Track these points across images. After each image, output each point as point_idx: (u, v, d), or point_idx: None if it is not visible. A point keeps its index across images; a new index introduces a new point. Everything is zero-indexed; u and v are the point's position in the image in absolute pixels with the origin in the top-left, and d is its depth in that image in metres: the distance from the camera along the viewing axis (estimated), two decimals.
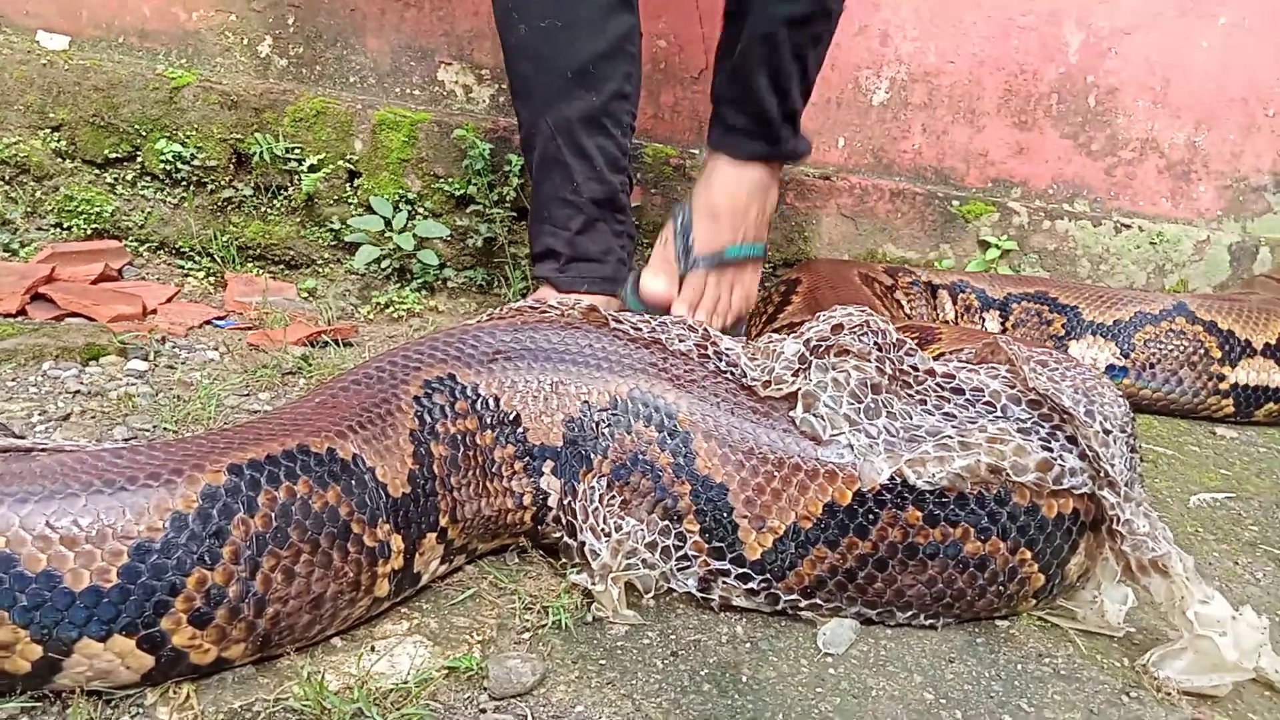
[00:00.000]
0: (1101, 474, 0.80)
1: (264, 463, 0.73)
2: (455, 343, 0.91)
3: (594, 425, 0.87)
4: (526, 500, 0.89)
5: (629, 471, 0.86)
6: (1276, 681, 0.80)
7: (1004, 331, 1.65)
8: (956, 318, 1.66)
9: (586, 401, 0.88)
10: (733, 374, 0.89)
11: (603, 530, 0.84)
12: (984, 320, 1.65)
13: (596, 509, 0.85)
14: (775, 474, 0.82)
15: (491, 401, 0.88)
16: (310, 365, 1.42)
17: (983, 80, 2.12)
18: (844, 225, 2.09)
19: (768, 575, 0.82)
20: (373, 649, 0.76)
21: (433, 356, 0.90)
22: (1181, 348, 1.56)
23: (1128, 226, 2.12)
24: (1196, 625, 0.76)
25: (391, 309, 1.83)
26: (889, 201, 2.08)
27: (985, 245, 2.09)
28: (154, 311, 1.67)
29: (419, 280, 1.96)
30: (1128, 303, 1.60)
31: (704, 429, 0.84)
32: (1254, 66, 2.12)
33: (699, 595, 0.85)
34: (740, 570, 0.83)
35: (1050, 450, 0.80)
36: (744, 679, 0.78)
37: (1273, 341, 1.57)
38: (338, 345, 1.52)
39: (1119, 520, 0.79)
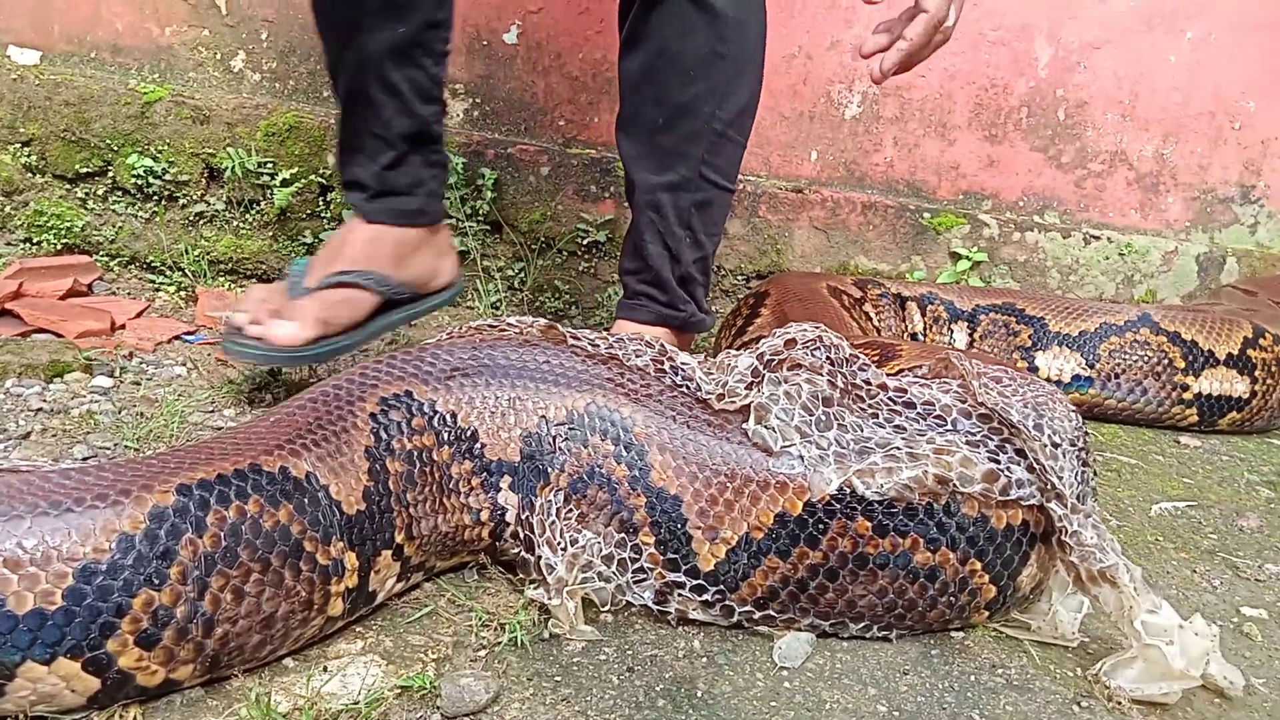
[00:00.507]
0: (1049, 486, 0.81)
1: (214, 482, 0.73)
2: (413, 360, 0.91)
3: (551, 440, 0.88)
4: (484, 516, 0.89)
5: (586, 485, 0.86)
6: (1225, 688, 0.81)
7: (971, 343, 1.66)
8: (925, 329, 1.67)
9: (544, 416, 0.89)
10: (688, 388, 0.90)
11: (559, 544, 0.84)
12: (952, 331, 1.67)
13: (553, 523, 0.85)
14: (728, 485, 0.82)
15: (449, 418, 0.88)
16: (279, 381, 1.42)
17: (954, 94, 2.14)
18: (816, 238, 2.10)
19: (721, 586, 0.83)
20: (325, 669, 0.76)
21: (390, 374, 0.90)
22: (1146, 358, 1.58)
23: (1097, 238, 2.14)
24: (1144, 634, 0.77)
25: None
26: (861, 214, 2.10)
27: (956, 257, 2.10)
28: (122, 327, 1.66)
29: None
30: (1093, 314, 1.62)
31: (659, 442, 0.85)
32: (1220, 80, 2.15)
33: (655, 609, 0.86)
34: (695, 582, 0.83)
35: (998, 462, 0.81)
36: (699, 694, 0.78)
37: (1235, 351, 1.59)
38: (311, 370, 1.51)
39: (1067, 531, 0.80)
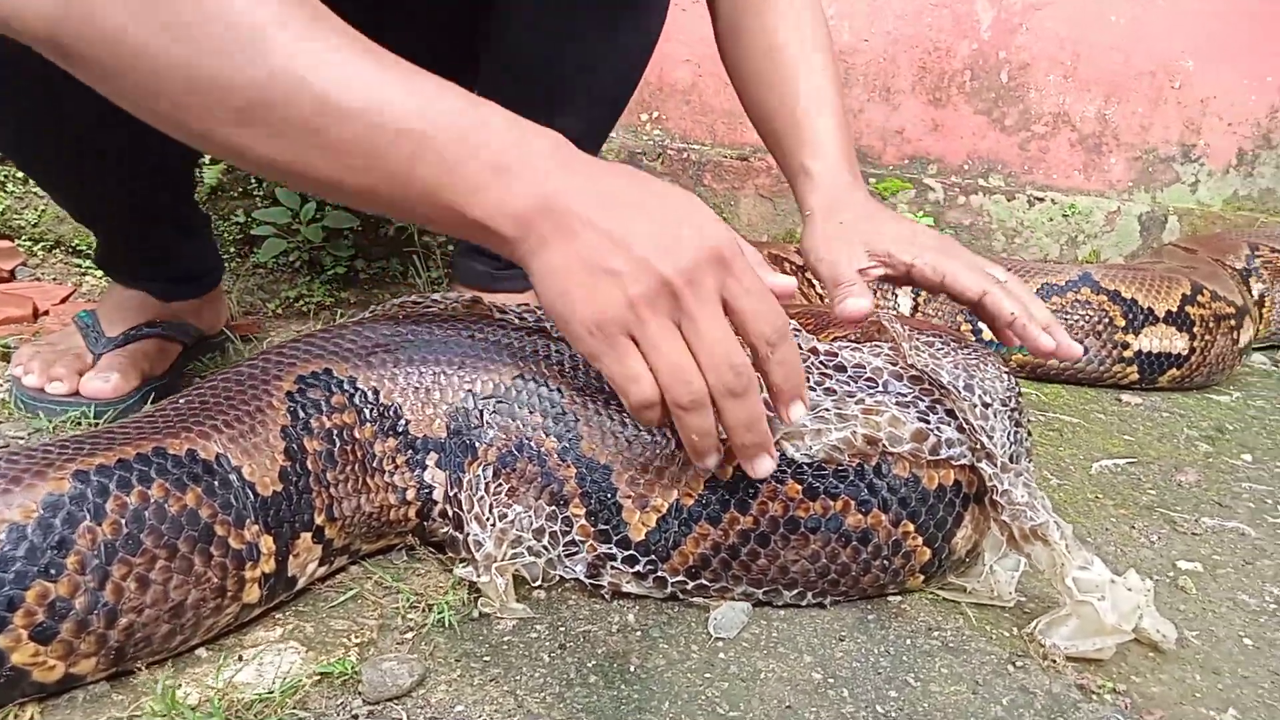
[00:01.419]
0: (979, 446, 0.80)
1: (114, 468, 0.69)
2: (332, 339, 0.88)
3: (479, 414, 0.85)
4: (410, 495, 0.86)
5: (515, 459, 0.84)
6: (1159, 641, 0.81)
7: (916, 308, 1.66)
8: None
9: (470, 390, 0.86)
10: None
11: (488, 520, 0.82)
12: (896, 297, 1.66)
13: (482, 498, 0.83)
14: (658, 452, 0.80)
15: (370, 394, 0.85)
16: (208, 365, 1.37)
17: (897, 58, 2.13)
18: (762, 206, 2.09)
19: (653, 556, 0.81)
20: (240, 658, 0.73)
21: (308, 352, 0.86)
22: (1087, 317, 1.58)
23: (1041, 200, 2.15)
24: (1076, 591, 0.77)
25: (301, 303, 1.78)
26: None
27: None
28: (46, 313, 1.60)
29: (329, 272, 1.91)
30: (1034, 275, 1.62)
31: (588, 412, 0.83)
32: (1160, 40, 2.16)
33: (588, 582, 0.84)
34: (626, 553, 0.81)
35: (927, 422, 0.80)
36: (632, 668, 0.76)
37: (1174, 309, 1.60)
38: (240, 341, 1.47)
39: (998, 491, 0.79)
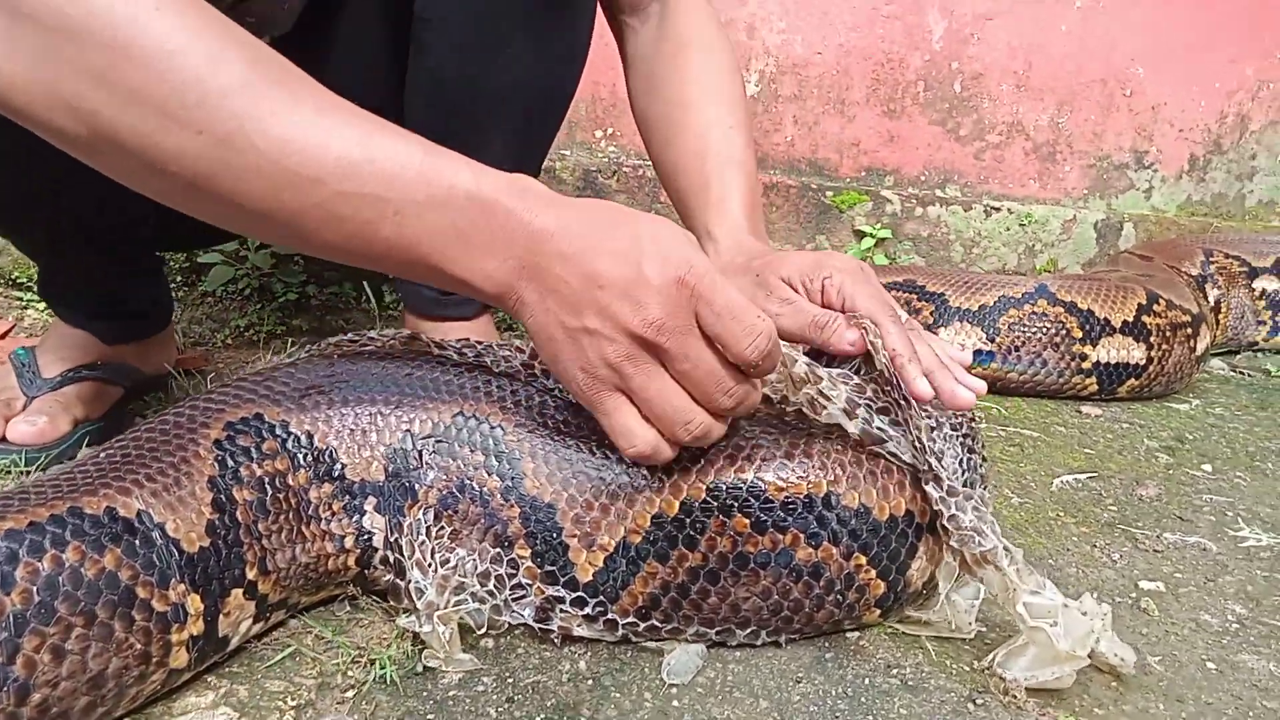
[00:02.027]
0: (927, 468, 0.78)
1: (24, 531, 0.65)
2: (263, 382, 0.84)
3: (417, 455, 0.82)
4: (349, 543, 0.83)
5: (457, 500, 0.81)
6: (1118, 665, 0.80)
7: None
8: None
9: (408, 430, 0.83)
10: (559, 392, 0.85)
11: (429, 565, 0.79)
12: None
13: (423, 543, 0.80)
14: (603, 489, 0.78)
15: (304, 438, 0.82)
16: (151, 404, 1.32)
17: (851, 70, 2.12)
18: None
19: (602, 598, 0.79)
20: None
21: (238, 397, 0.83)
22: (1044, 329, 1.58)
23: (998, 209, 2.16)
24: (1028, 617, 0.75)
25: (251, 331, 1.73)
26: (764, 195, 2.07)
27: (860, 235, 2.09)
28: None
29: (280, 299, 1.87)
30: (992, 287, 1.61)
31: (530, 449, 0.80)
32: (1110, 48, 2.18)
33: (537, 627, 0.81)
34: (575, 594, 0.79)
35: (868, 422, 0.78)
36: None
37: (1130, 319, 1.60)
38: (184, 377, 1.42)
39: (945, 515, 0.77)
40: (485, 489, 0.80)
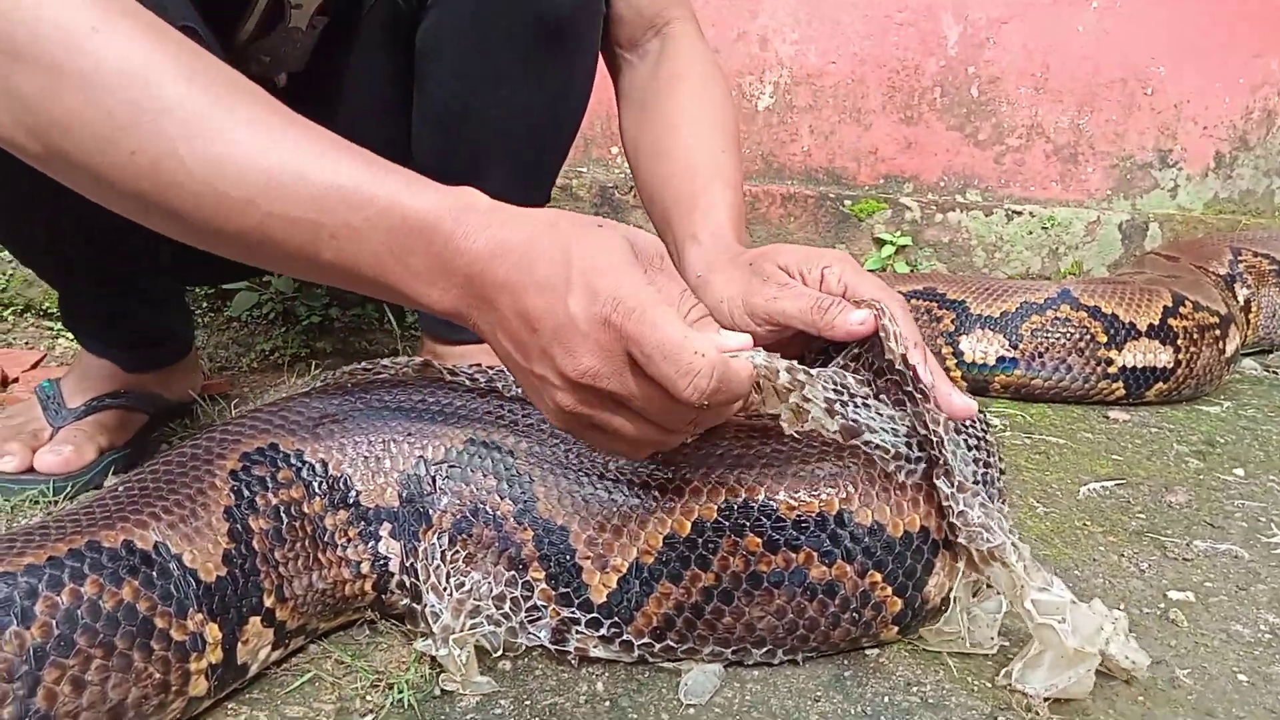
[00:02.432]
0: (940, 461, 0.77)
1: (43, 566, 0.66)
2: (278, 412, 0.86)
3: (431, 480, 0.83)
4: (365, 568, 0.83)
5: (470, 524, 0.81)
6: (1130, 669, 0.78)
7: None
8: None
9: (422, 456, 0.83)
10: None
11: (444, 589, 0.79)
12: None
13: (439, 567, 0.80)
14: (615, 510, 0.78)
15: (319, 466, 0.82)
16: (177, 431, 1.34)
17: (865, 78, 2.12)
18: None
19: (616, 618, 0.79)
20: None
21: (254, 427, 0.84)
22: (1068, 335, 1.56)
23: (1019, 213, 2.13)
24: (1036, 614, 0.74)
25: (276, 355, 1.76)
26: (781, 206, 2.07)
27: (880, 243, 2.08)
28: (15, 380, 1.57)
29: (304, 322, 1.89)
30: (1013, 293, 1.59)
31: (542, 472, 0.80)
32: (1129, 47, 2.15)
33: (553, 648, 0.81)
34: (589, 616, 0.79)
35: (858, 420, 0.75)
36: None
37: (1155, 322, 1.57)
38: (208, 403, 1.44)
39: (954, 511, 0.76)
40: (499, 513, 0.81)
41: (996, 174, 2.18)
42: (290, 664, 0.82)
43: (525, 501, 0.80)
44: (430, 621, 0.79)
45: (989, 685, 0.80)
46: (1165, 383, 1.59)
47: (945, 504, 0.77)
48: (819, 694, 0.79)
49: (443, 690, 0.79)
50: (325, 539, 0.82)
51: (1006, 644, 0.86)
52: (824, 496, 0.77)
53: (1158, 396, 1.60)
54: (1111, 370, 1.56)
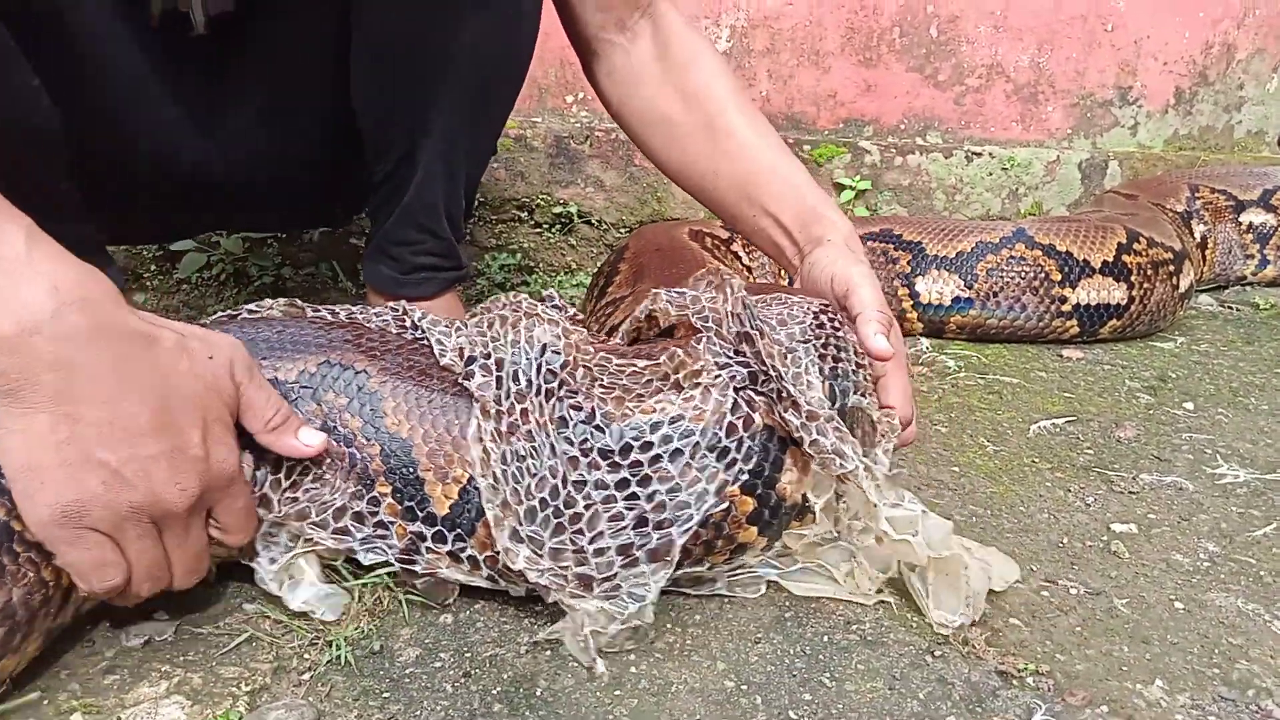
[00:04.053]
0: (785, 394, 0.77)
1: None
2: None
3: (284, 398, 0.82)
4: None
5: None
6: (966, 560, 0.79)
7: None
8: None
9: (275, 377, 0.82)
10: (426, 342, 0.87)
11: (289, 501, 0.80)
12: None
13: (295, 482, 0.80)
14: (457, 423, 0.79)
15: None
16: None
17: (823, 20, 2.08)
18: None
19: (459, 531, 0.79)
20: (118, 719, 0.69)
21: None
22: (1023, 274, 1.56)
23: (979, 154, 2.12)
24: (892, 532, 0.76)
25: None
26: None
27: (840, 188, 2.06)
28: None
29: (256, 283, 1.86)
30: (969, 233, 1.59)
31: (393, 388, 0.81)
32: None
33: (400, 567, 0.81)
34: (433, 529, 0.79)
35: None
36: (539, 691, 0.73)
37: (1110, 259, 1.57)
38: None
39: (806, 441, 0.77)
40: (349, 430, 0.81)
41: (957, 115, 2.16)
42: (226, 624, 0.81)
43: (373, 417, 0.80)
44: (273, 536, 0.80)
45: (927, 623, 0.81)
46: (1119, 319, 1.59)
47: (796, 435, 0.77)
48: (759, 635, 0.79)
49: (383, 645, 0.78)
50: None
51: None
52: (660, 404, 0.78)
53: (1111, 333, 1.61)
54: (1065, 308, 1.57)
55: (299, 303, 0.94)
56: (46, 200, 1.11)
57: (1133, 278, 1.58)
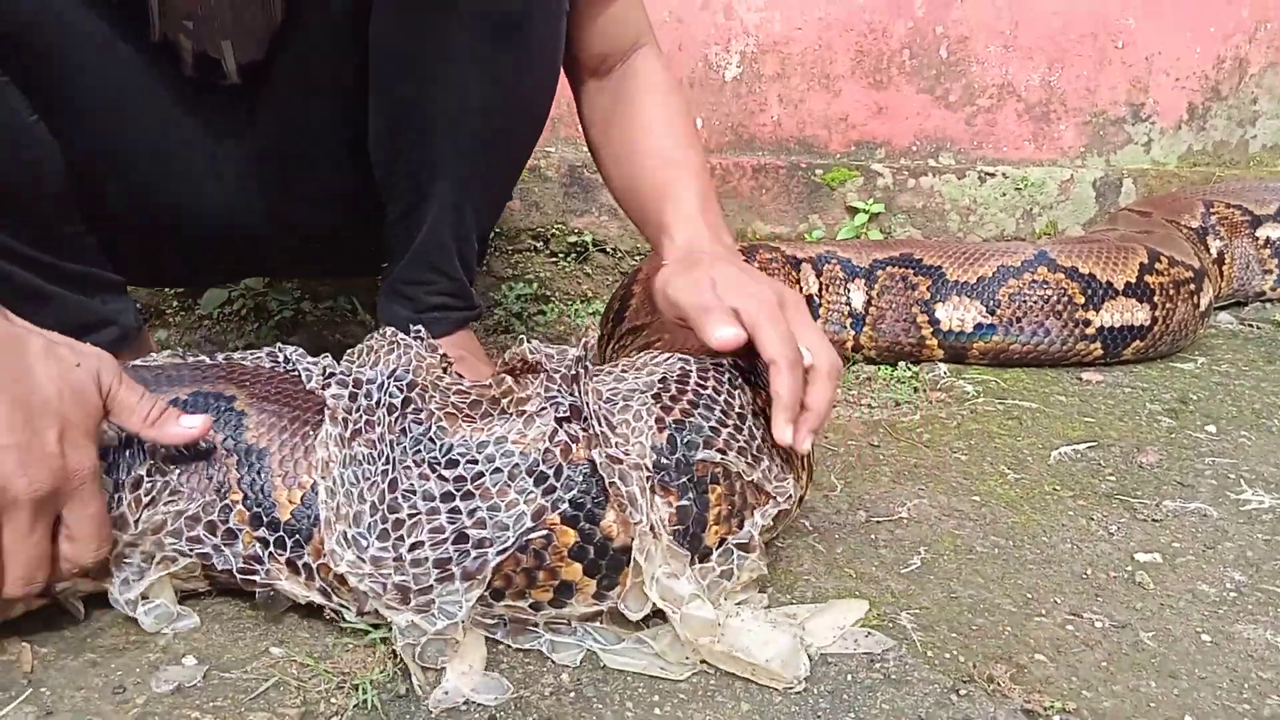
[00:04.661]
0: (599, 434, 0.80)
1: None
2: None
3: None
4: None
5: (180, 454, 0.84)
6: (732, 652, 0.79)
7: (869, 301, 1.62)
8: (821, 290, 1.63)
9: None
10: (297, 373, 0.93)
11: (139, 513, 0.83)
12: (849, 291, 1.62)
13: (154, 499, 0.83)
14: (311, 435, 0.83)
15: None
16: None
17: (833, 44, 2.09)
18: None
19: (298, 537, 0.81)
20: None
21: None
22: (1045, 297, 1.55)
23: (992, 175, 2.12)
24: (657, 600, 0.79)
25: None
26: (752, 178, 2.05)
27: (853, 211, 2.07)
28: None
29: (276, 318, 1.88)
30: (990, 257, 1.58)
31: (256, 408, 0.86)
32: (1098, 1, 2.13)
33: (240, 578, 0.83)
34: (275, 535, 0.82)
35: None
36: None
37: (1133, 280, 1.57)
38: None
39: (608, 481, 0.79)
40: (210, 444, 0.84)
41: (968, 136, 2.17)
42: (253, 668, 0.82)
43: (235, 431, 0.85)
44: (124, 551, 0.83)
45: (949, 658, 0.81)
46: (1142, 340, 1.59)
47: (602, 474, 0.79)
48: None
49: (408, 689, 0.79)
50: None
51: (967, 629, 0.86)
52: (489, 425, 0.83)
53: (1135, 355, 1.60)
54: (1089, 331, 1.56)
55: (180, 351, 1.00)
56: (49, 237, 1.13)
57: (1155, 298, 1.57)
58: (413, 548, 0.78)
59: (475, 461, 0.81)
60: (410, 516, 0.79)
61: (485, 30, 1.05)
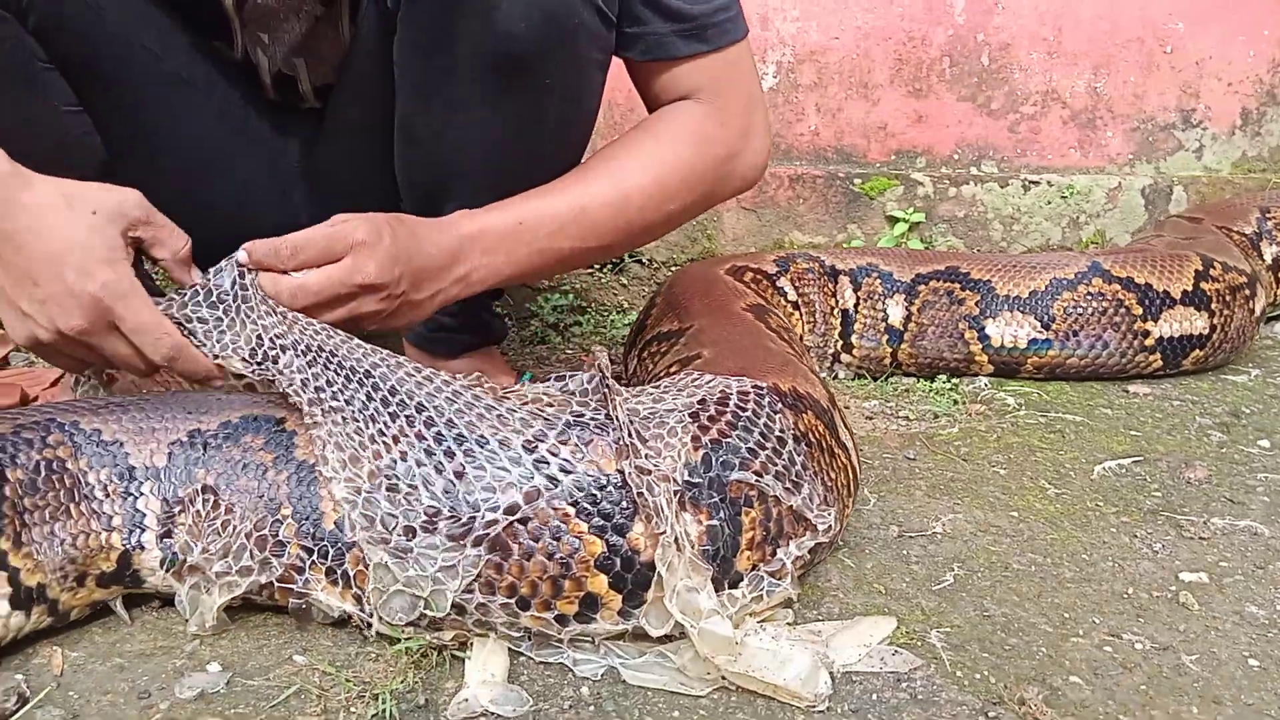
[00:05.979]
0: (629, 446, 0.80)
1: None
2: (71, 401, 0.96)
3: (204, 444, 0.89)
4: (117, 521, 0.87)
5: (235, 476, 0.87)
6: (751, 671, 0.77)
7: (908, 318, 1.58)
8: (858, 304, 1.60)
9: (197, 428, 0.90)
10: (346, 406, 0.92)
11: (198, 536, 0.85)
12: (887, 307, 1.59)
13: (200, 516, 0.86)
14: (368, 443, 0.84)
15: (91, 432, 0.88)
16: None
17: (871, 52, 2.07)
18: (746, 218, 2.04)
19: (340, 545, 0.83)
20: None
21: (38, 410, 0.92)
22: (1102, 309, 1.50)
23: (1036, 183, 2.08)
24: (676, 613, 0.78)
25: None
26: (789, 188, 2.03)
27: (893, 221, 2.04)
28: (36, 399, 1.60)
29: None
30: (1041, 270, 1.54)
31: (305, 431, 0.87)
32: (1145, 3, 2.08)
33: (278, 585, 0.85)
34: (320, 545, 0.83)
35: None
36: None
37: (1189, 288, 1.52)
38: None
39: (635, 490, 0.79)
40: (260, 462, 0.87)
41: (1011, 143, 2.13)
42: (275, 675, 0.82)
43: (285, 449, 0.87)
44: (178, 566, 0.85)
45: (979, 678, 0.78)
46: (1202, 349, 1.54)
47: (629, 484, 0.79)
48: None
49: (427, 699, 0.78)
50: (83, 492, 0.86)
51: (993, 648, 0.83)
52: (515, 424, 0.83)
53: (1194, 364, 1.55)
54: (1149, 343, 1.51)
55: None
56: None
57: (1213, 305, 1.52)
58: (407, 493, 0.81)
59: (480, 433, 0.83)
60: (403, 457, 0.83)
61: (491, 66, 1.06)
